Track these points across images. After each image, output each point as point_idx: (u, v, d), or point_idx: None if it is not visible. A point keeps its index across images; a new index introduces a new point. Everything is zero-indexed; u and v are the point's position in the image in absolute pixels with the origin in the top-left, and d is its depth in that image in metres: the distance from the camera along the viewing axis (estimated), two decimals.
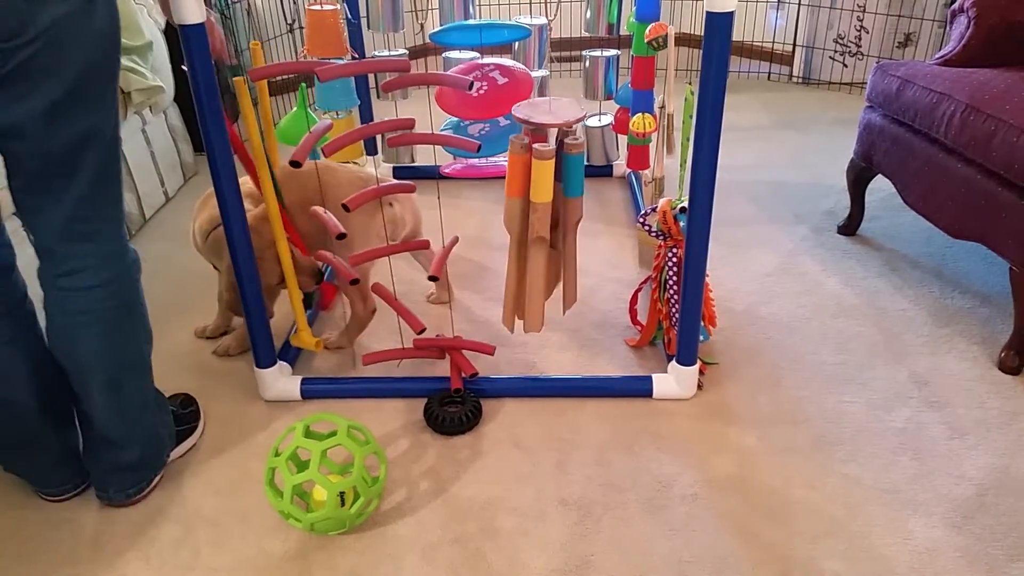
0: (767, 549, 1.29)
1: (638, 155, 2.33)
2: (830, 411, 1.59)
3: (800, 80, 3.55)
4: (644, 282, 1.78)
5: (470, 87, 1.41)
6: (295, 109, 1.96)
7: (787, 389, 1.65)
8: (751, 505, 1.37)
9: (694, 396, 1.62)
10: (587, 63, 2.45)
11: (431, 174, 2.63)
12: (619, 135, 2.49)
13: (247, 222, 1.47)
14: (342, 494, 1.28)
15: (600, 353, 1.77)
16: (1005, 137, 1.58)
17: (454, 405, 1.58)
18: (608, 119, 2.52)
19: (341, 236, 1.48)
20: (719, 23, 1.24)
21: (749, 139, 2.95)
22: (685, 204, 1.57)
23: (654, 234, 1.62)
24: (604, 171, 2.64)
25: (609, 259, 2.14)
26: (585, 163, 2.59)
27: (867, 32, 3.31)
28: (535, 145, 1.31)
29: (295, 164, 1.34)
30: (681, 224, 1.57)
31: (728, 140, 2.90)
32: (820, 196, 2.49)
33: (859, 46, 3.35)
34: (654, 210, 1.61)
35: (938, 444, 1.50)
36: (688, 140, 1.57)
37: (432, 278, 1.50)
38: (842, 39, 3.36)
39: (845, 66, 3.41)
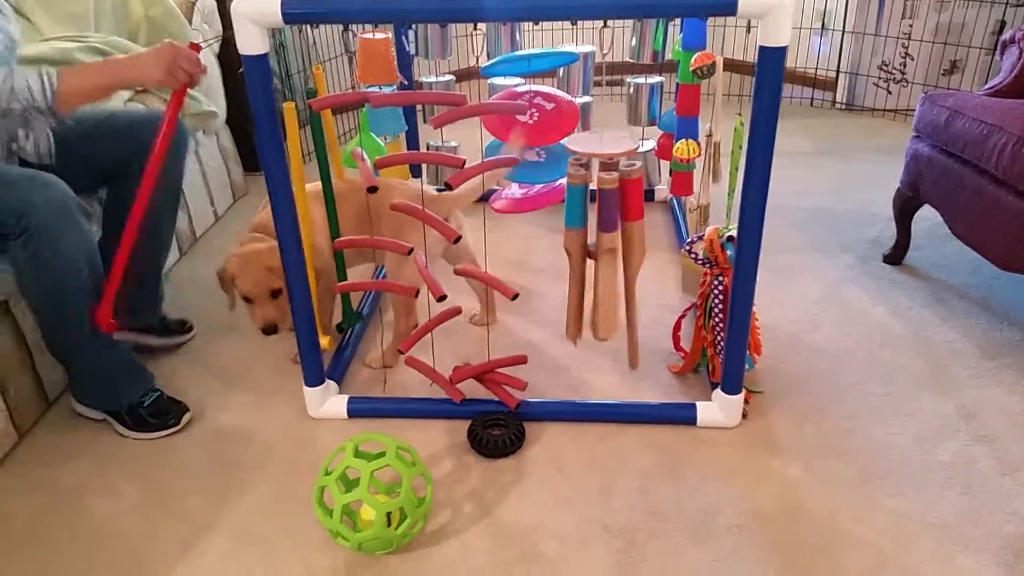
0: None
1: (682, 181, 2.33)
2: (876, 443, 1.58)
3: (843, 106, 3.53)
4: (688, 309, 1.79)
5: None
6: (359, 134, 2.00)
7: (833, 420, 1.64)
8: (797, 538, 1.37)
9: (738, 425, 1.62)
10: (631, 89, 2.47)
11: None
12: (662, 160, 2.51)
13: (302, 244, 1.51)
14: (389, 514, 1.30)
15: (643, 378, 1.78)
16: None
17: (498, 428, 1.59)
18: (650, 145, 2.54)
19: (373, 189, 1.50)
20: (772, 57, 1.25)
21: (792, 165, 2.94)
22: (732, 233, 1.57)
23: (700, 262, 1.63)
24: (647, 196, 2.65)
25: (652, 284, 2.15)
26: None
27: (912, 59, 3.29)
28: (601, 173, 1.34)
29: (372, 190, 1.37)
30: (728, 253, 1.57)
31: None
32: (865, 224, 2.47)
33: (904, 73, 3.33)
34: (700, 238, 1.62)
35: (988, 479, 1.48)
36: (736, 170, 1.58)
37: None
38: (887, 66, 3.35)
39: (889, 93, 3.39)
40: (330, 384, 1.69)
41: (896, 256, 2.21)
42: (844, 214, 2.55)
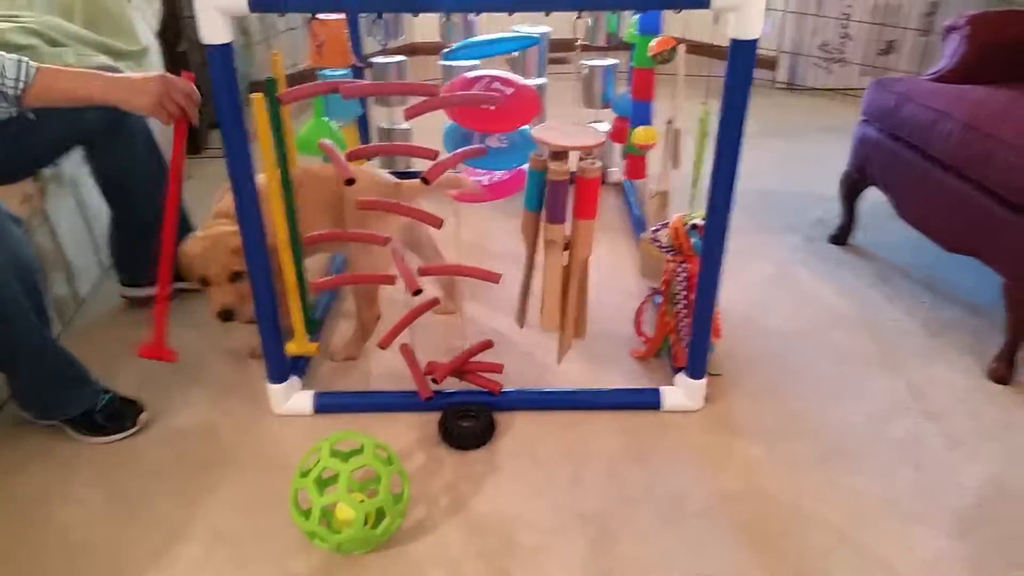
0: (781, 563, 1.33)
1: (636, 165, 2.36)
2: (833, 423, 1.64)
3: (785, 86, 3.60)
4: (650, 295, 1.82)
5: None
6: (311, 119, 1.96)
7: (790, 401, 1.70)
8: (763, 518, 1.42)
9: (701, 408, 1.66)
10: (585, 71, 2.47)
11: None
12: (616, 144, 2.52)
13: (265, 236, 1.47)
14: (367, 513, 1.30)
15: (606, 364, 1.80)
16: (1003, 156, 1.64)
17: (468, 420, 1.60)
18: (604, 127, 2.55)
19: (350, 182, 1.45)
20: (743, 50, 1.27)
21: (750, 147, 2.98)
22: (697, 221, 1.60)
23: (664, 249, 1.65)
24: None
25: (610, 268, 2.17)
26: None
27: (851, 39, 3.37)
28: (581, 164, 1.34)
29: (350, 182, 1.34)
30: (693, 241, 1.60)
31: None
32: (810, 205, 2.54)
33: (843, 53, 3.41)
34: (665, 226, 1.65)
35: (937, 455, 1.55)
36: (701, 159, 1.61)
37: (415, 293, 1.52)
38: (827, 46, 3.42)
39: (829, 72, 3.47)
40: (293, 380, 1.67)
41: (842, 237, 2.29)
42: (790, 195, 2.62)
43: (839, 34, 3.38)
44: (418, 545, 1.37)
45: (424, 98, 1.35)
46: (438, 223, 1.45)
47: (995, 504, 1.44)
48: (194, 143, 2.94)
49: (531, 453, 1.56)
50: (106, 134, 1.78)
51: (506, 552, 1.35)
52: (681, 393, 1.65)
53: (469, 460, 1.55)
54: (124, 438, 1.60)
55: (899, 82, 1.99)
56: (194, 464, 1.54)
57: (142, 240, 1.94)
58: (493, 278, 1.53)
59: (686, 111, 1.81)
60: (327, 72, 2.17)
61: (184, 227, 2.02)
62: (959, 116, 1.76)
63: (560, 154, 1.38)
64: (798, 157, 2.90)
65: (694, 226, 1.61)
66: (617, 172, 2.69)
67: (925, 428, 1.62)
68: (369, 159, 1.89)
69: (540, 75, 2.49)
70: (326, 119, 2.02)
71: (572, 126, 1.41)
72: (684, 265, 1.65)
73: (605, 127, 2.56)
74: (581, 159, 1.40)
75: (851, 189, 2.20)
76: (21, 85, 1.37)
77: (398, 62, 2.48)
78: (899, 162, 1.97)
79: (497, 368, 1.67)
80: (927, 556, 1.34)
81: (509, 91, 1.99)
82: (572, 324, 1.55)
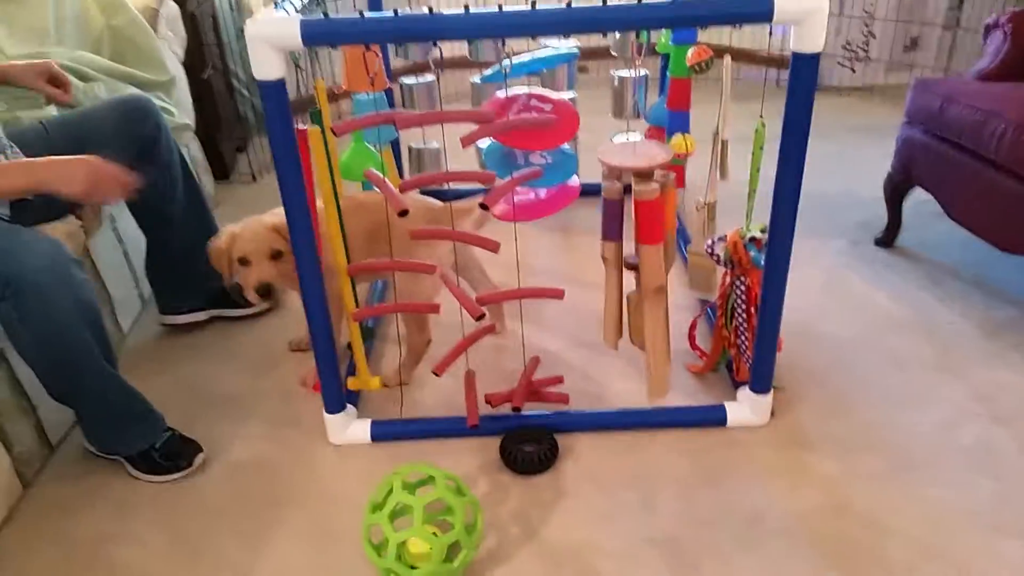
0: None
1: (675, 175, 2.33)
2: (901, 432, 1.60)
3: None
4: (704, 309, 1.78)
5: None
6: (352, 144, 1.93)
7: (855, 411, 1.67)
8: (843, 536, 1.38)
9: (767, 424, 1.63)
10: (616, 82, 2.44)
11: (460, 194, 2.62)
12: None
13: (320, 267, 1.45)
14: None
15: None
16: None
17: (530, 444, 1.57)
18: (637, 137, 2.52)
19: (404, 213, 1.40)
20: (806, 64, 1.25)
21: (771, 149, 2.95)
22: (755, 234, 1.57)
23: (722, 263, 1.62)
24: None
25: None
26: None
27: (874, 37, 3.34)
28: (636, 186, 1.32)
29: (404, 214, 1.31)
30: (752, 254, 1.57)
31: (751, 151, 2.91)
32: (852, 207, 2.51)
33: (867, 51, 3.38)
34: (721, 240, 1.62)
35: (1013, 462, 1.52)
36: (758, 171, 1.58)
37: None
38: (850, 45, 3.39)
39: (853, 71, 3.44)
40: (349, 409, 1.64)
41: (888, 239, 2.25)
42: (829, 198, 2.59)
43: (862, 32, 3.35)
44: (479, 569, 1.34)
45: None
46: (495, 247, 1.43)
47: None
48: (222, 169, 2.92)
49: (596, 477, 1.53)
50: (141, 161, 1.76)
51: None
52: (747, 408, 1.62)
53: (534, 485, 1.52)
54: (181, 477, 1.57)
55: (942, 83, 1.97)
56: (255, 501, 1.52)
57: (180, 265, 1.93)
58: (556, 294, 1.50)
59: (727, 121, 1.78)
60: (360, 97, 2.14)
61: None
62: (1010, 115, 1.73)
63: (619, 172, 1.36)
64: (832, 159, 2.86)
65: (752, 239, 1.58)
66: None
67: (996, 434, 1.59)
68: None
69: (570, 88, 2.47)
70: (367, 143, 1.99)
71: (639, 144, 1.38)
72: (742, 279, 1.62)
73: (637, 138, 2.54)
74: (637, 179, 1.37)
75: (896, 191, 2.17)
76: None
77: (428, 83, 2.46)
78: (947, 163, 1.94)
79: (559, 380, 1.65)
80: (1018, 567, 1.31)
81: (547, 107, 1.97)
82: (655, 358, 1.52)
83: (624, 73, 2.43)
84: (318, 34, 1.23)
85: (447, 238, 1.44)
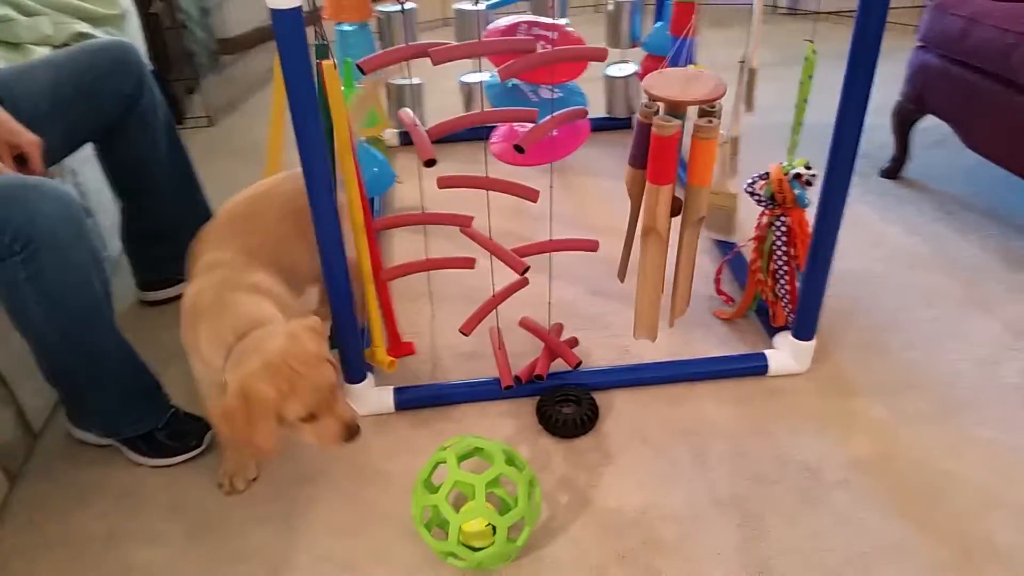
0: (937, 530, 1.26)
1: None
2: (942, 372, 1.56)
3: (785, 11, 3.47)
4: (733, 252, 1.70)
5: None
6: (348, 89, 1.74)
7: (894, 352, 1.62)
8: (905, 484, 1.34)
9: (807, 370, 1.57)
10: (611, 6, 2.29)
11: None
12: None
13: (340, 229, 1.28)
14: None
15: (691, 330, 1.69)
16: None
17: (568, 405, 1.47)
18: (632, 68, 2.38)
19: (431, 163, 1.25)
20: None
21: (761, 79, 2.85)
22: (799, 170, 1.48)
23: (762, 203, 1.53)
24: (625, 124, 2.51)
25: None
26: (607, 115, 2.48)
27: None
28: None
29: (430, 163, 1.16)
30: (796, 192, 1.48)
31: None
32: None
33: None
34: (763, 177, 1.52)
35: None
36: (805, 102, 1.47)
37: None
38: None
39: None
40: (370, 377, 1.51)
41: (894, 170, 2.19)
42: (825, 129, 2.49)
43: None
44: (553, 550, 1.25)
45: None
46: (535, 196, 1.30)
47: None
48: (175, 112, 2.67)
49: (642, 435, 1.45)
50: (122, 121, 1.56)
51: (650, 550, 1.24)
52: (788, 355, 1.55)
53: (578, 449, 1.43)
54: (190, 459, 1.43)
55: (964, 4, 1.87)
56: (280, 482, 1.39)
57: (165, 236, 1.73)
58: (591, 246, 1.39)
59: (732, 48, 1.66)
60: (345, 28, 1.95)
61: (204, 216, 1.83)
62: None
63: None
64: (822, 88, 2.77)
65: (796, 175, 1.48)
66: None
67: None
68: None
69: (563, 15, 2.30)
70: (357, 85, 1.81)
71: (690, 72, 1.26)
72: (782, 218, 1.53)
73: (632, 68, 2.40)
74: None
75: (905, 120, 2.10)
76: None
77: (407, 11, 2.26)
78: (969, 90, 1.87)
79: (573, 342, 1.55)
80: None
81: (552, 35, 1.83)
82: (677, 286, 1.42)
83: None
84: None
85: (485, 187, 1.30)
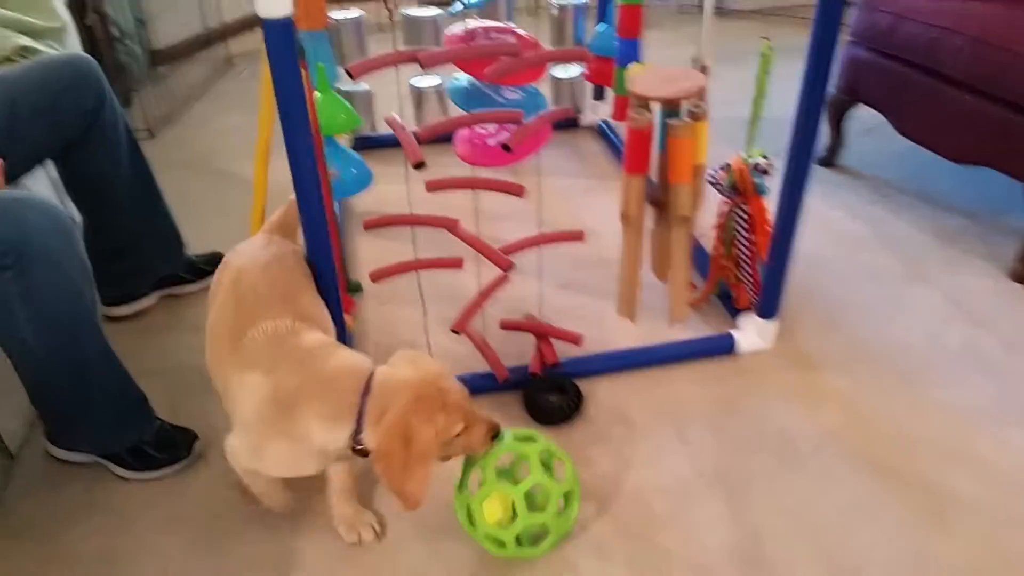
0: (906, 485, 1.36)
1: (626, 106, 2.29)
2: (895, 343, 1.68)
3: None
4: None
5: None
6: (321, 94, 1.74)
7: (849, 327, 1.73)
8: (873, 447, 1.44)
9: (772, 348, 1.66)
10: (555, 11, 2.36)
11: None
12: (593, 85, 2.44)
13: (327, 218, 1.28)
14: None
15: (661, 316, 1.75)
16: (1021, 69, 1.69)
17: (553, 394, 1.52)
18: (578, 69, 2.46)
19: (419, 166, 1.26)
20: None
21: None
22: (758, 161, 1.57)
23: (724, 192, 1.61)
24: (573, 123, 2.59)
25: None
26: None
27: None
28: (670, 121, 1.26)
29: (420, 166, 1.19)
30: (756, 181, 1.57)
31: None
32: (779, 130, 2.56)
33: None
34: (723, 168, 1.60)
35: (1000, 360, 1.62)
36: (763, 96, 1.56)
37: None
38: None
39: None
40: None
41: (830, 158, 2.33)
42: (773, 122, 2.63)
43: None
44: None
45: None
46: (521, 192, 1.35)
47: None
48: None
49: (626, 418, 1.51)
50: (83, 136, 1.53)
51: (646, 524, 1.30)
52: (754, 334, 1.64)
53: (567, 435, 1.48)
54: (179, 470, 1.41)
55: (892, 0, 2.01)
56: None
57: (128, 251, 1.71)
58: (577, 237, 1.45)
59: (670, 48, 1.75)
60: (305, 34, 1.95)
61: (175, 244, 1.81)
62: (968, 32, 1.80)
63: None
64: (746, 84, 2.91)
65: (755, 166, 1.57)
66: (591, 116, 2.62)
67: (978, 336, 1.69)
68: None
69: (509, 19, 2.36)
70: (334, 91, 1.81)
71: (671, 70, 1.33)
72: (742, 208, 1.62)
73: (578, 69, 2.48)
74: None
75: (839, 110, 2.24)
76: None
77: (355, 19, 2.28)
78: (899, 81, 2.00)
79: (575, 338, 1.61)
80: None
81: (511, 39, 1.88)
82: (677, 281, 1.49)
83: (563, 1, 2.35)
84: None
85: (471, 186, 1.33)
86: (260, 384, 1.07)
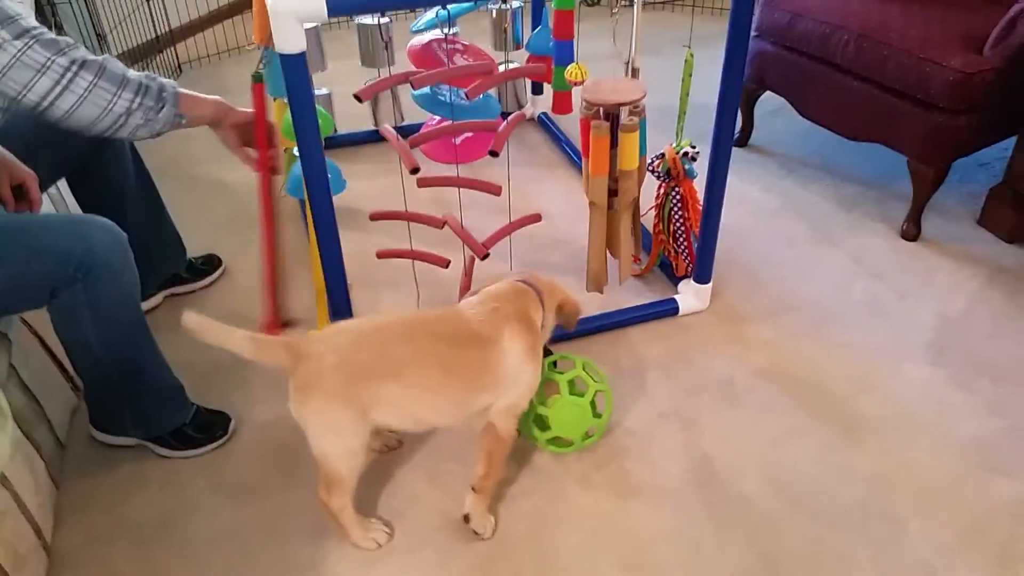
0: (827, 412, 1.67)
1: (564, 100, 2.55)
2: (809, 296, 2.00)
3: (627, 3, 3.89)
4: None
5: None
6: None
7: (769, 286, 2.03)
8: (797, 384, 1.74)
9: (707, 308, 1.95)
10: (494, 14, 2.59)
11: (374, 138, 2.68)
12: (532, 81, 2.68)
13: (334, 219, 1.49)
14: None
15: (613, 287, 2.02)
16: (896, 60, 2.02)
17: None
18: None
19: (415, 171, 1.51)
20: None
21: (616, 68, 3.24)
22: (687, 149, 1.85)
23: (660, 176, 1.89)
24: None
25: (569, 200, 2.38)
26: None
27: None
28: (624, 121, 1.52)
29: (415, 171, 1.42)
30: (686, 167, 1.85)
31: (597, 71, 3.17)
32: (701, 116, 2.86)
33: None
34: (659, 156, 1.87)
35: (894, 306, 1.96)
36: (687, 95, 1.84)
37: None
38: None
39: None
40: None
41: (743, 140, 2.64)
42: (672, 110, 2.93)
43: None
44: (542, 462, 1.55)
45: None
46: (498, 191, 1.59)
47: (949, 333, 1.86)
48: None
49: None
50: (98, 150, 1.69)
51: (619, 456, 1.58)
52: (692, 297, 1.93)
53: None
54: (216, 448, 1.61)
55: (787, 1, 2.32)
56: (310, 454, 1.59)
57: (137, 257, 1.87)
58: (536, 219, 1.69)
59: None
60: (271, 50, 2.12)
61: (178, 247, 1.98)
62: (852, 28, 2.12)
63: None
64: (668, 72, 3.19)
65: (685, 154, 1.85)
66: (531, 109, 2.87)
67: (876, 287, 2.02)
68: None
69: (453, 26, 2.57)
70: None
71: (620, 81, 1.59)
72: (677, 189, 1.90)
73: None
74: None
75: (749, 97, 2.54)
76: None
77: (313, 28, 2.46)
78: (799, 71, 2.32)
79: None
80: (919, 382, 1.73)
81: (460, 47, 2.11)
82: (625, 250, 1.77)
83: (502, 4, 2.58)
84: (342, 5, 1.29)
85: (451, 184, 1.57)
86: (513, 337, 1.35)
